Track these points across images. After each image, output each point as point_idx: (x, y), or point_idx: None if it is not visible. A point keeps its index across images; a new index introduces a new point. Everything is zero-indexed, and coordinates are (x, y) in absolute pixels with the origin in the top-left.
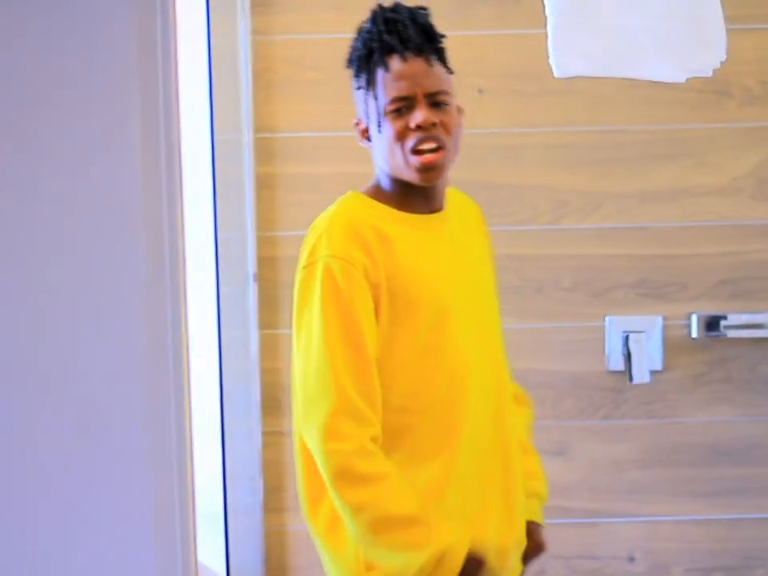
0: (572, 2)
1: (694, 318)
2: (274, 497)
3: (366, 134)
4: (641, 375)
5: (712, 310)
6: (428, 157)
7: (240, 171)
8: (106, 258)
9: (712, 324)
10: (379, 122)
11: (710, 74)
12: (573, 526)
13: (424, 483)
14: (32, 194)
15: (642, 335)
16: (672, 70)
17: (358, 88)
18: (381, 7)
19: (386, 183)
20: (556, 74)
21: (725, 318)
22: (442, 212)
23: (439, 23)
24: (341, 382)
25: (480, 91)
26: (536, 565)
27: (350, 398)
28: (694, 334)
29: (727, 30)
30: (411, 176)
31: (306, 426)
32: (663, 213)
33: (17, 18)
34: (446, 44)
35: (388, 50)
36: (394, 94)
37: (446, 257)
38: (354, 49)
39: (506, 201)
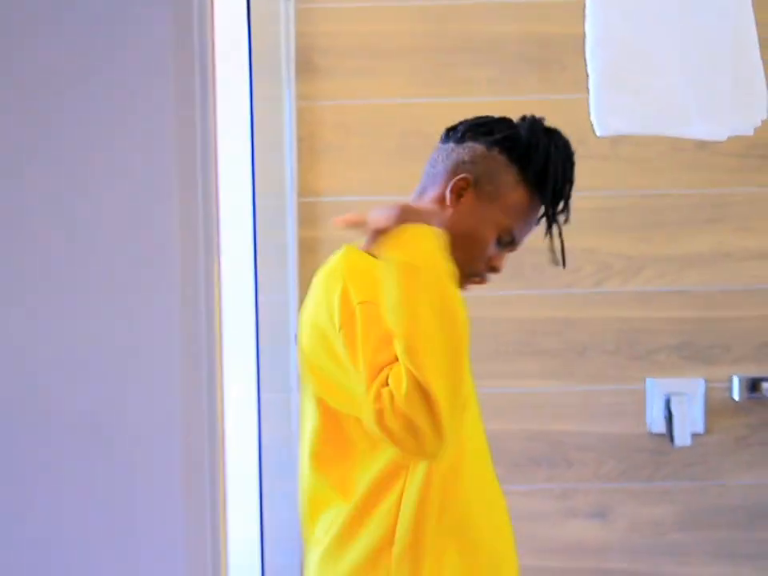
0: (614, 60)
1: (736, 381)
2: None
3: (460, 193)
4: (683, 438)
5: (754, 372)
6: (474, 286)
7: (284, 235)
8: (145, 321)
9: (754, 386)
10: (500, 238)
11: (751, 132)
12: None
13: None
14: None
15: (684, 397)
16: (713, 129)
17: (494, 163)
18: (572, 155)
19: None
20: (598, 133)
21: (767, 380)
22: None
23: (482, 89)
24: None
25: None
26: None
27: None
28: (736, 397)
29: None
30: (460, 276)
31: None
32: (705, 276)
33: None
34: None
35: (556, 198)
36: (522, 231)
37: None
38: (550, 164)
39: (549, 264)
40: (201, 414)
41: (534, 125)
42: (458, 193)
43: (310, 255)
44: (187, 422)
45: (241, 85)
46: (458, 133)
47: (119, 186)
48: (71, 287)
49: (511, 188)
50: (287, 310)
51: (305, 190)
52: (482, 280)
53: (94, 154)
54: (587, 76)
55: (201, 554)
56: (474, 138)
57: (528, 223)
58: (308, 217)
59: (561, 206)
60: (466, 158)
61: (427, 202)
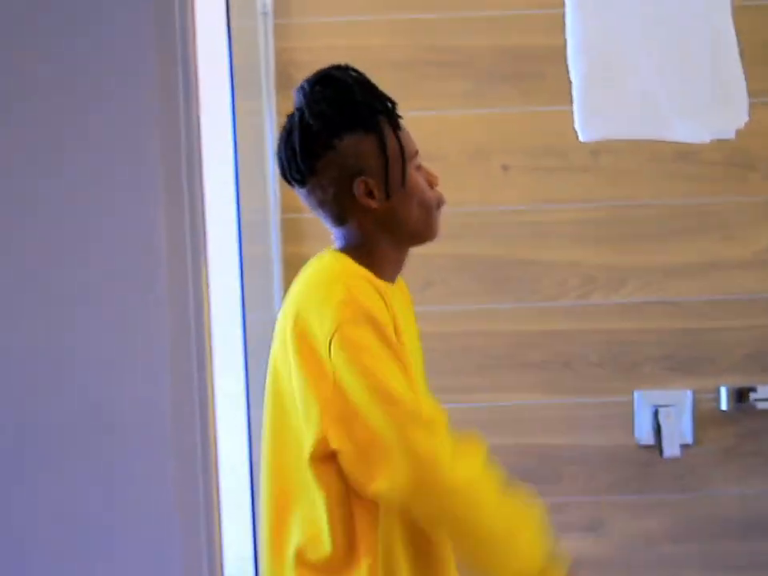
0: (596, 66)
1: (723, 391)
2: None
3: (369, 195)
4: (671, 449)
5: (741, 382)
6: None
7: (267, 251)
8: (133, 343)
9: (741, 396)
10: (404, 176)
11: (732, 135)
12: None
13: None
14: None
15: (672, 409)
16: (696, 131)
17: (355, 145)
18: (349, 68)
19: (371, 247)
20: (581, 138)
21: (754, 390)
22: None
23: (458, 101)
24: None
25: (504, 168)
26: None
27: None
28: (724, 407)
29: (751, 102)
30: (428, 233)
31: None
32: (689, 287)
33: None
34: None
35: (393, 105)
36: (414, 147)
37: (409, 325)
38: (352, 108)
39: (534, 277)
40: (192, 408)
41: (310, 101)
42: (366, 196)
43: (293, 271)
44: (179, 414)
45: (222, 100)
46: (303, 169)
47: (108, 193)
48: (66, 279)
49: (372, 143)
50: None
51: (288, 206)
52: (440, 199)
53: (81, 178)
54: (565, 88)
55: (196, 552)
56: (316, 157)
57: (409, 139)
58: (291, 233)
59: (387, 102)
60: (336, 173)
61: (357, 224)
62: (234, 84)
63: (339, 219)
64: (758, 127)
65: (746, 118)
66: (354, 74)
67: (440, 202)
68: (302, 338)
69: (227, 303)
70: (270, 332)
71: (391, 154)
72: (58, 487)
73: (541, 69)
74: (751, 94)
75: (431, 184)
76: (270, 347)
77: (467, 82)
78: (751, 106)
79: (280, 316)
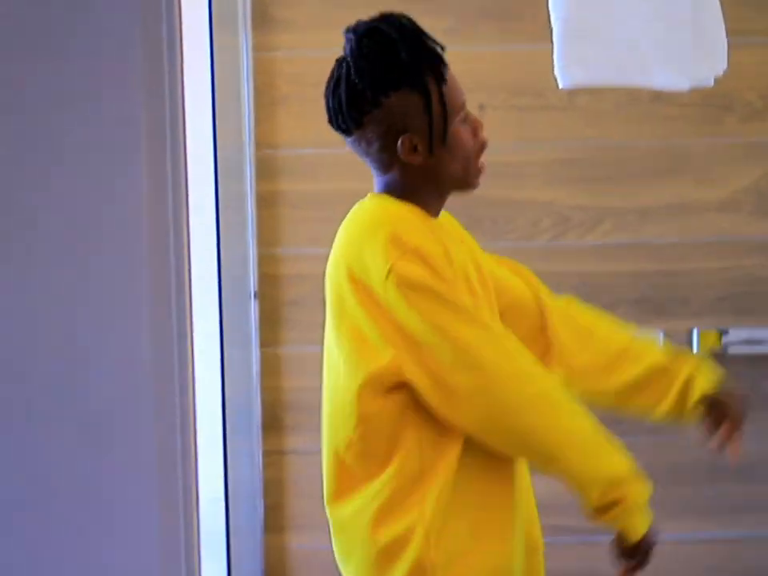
0: (577, 13)
1: (695, 333)
2: (275, 516)
3: (413, 150)
4: None
5: (714, 325)
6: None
7: (242, 188)
8: (112, 274)
9: (713, 339)
10: (445, 132)
11: (711, 83)
12: (572, 545)
13: None
14: (40, 208)
15: None
16: (675, 79)
17: (400, 103)
18: (398, 19)
19: (413, 193)
20: (561, 85)
21: (726, 333)
22: None
23: (439, 38)
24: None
25: (481, 107)
26: None
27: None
28: (695, 349)
29: (729, 44)
30: (471, 182)
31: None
32: (664, 229)
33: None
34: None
35: (439, 60)
36: (461, 101)
37: (464, 253)
38: (397, 67)
39: (508, 217)
40: (171, 369)
41: (355, 54)
42: (410, 152)
43: (267, 209)
44: (158, 375)
45: (201, 36)
46: (349, 122)
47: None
48: (45, 244)
49: (418, 100)
50: (246, 265)
51: (262, 142)
52: (483, 146)
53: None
54: (543, 28)
55: (173, 514)
56: (362, 112)
57: (449, 90)
58: (266, 170)
59: (436, 56)
60: (383, 129)
61: (400, 175)
62: (213, 21)
63: (383, 169)
64: (736, 69)
65: (725, 66)
66: (403, 23)
67: (482, 147)
68: (357, 282)
69: (203, 241)
70: (242, 270)
71: (435, 111)
72: (37, 440)
73: (520, 8)
74: (729, 34)
75: (475, 132)
76: (242, 284)
77: (449, 19)
78: (729, 47)
79: (329, 268)
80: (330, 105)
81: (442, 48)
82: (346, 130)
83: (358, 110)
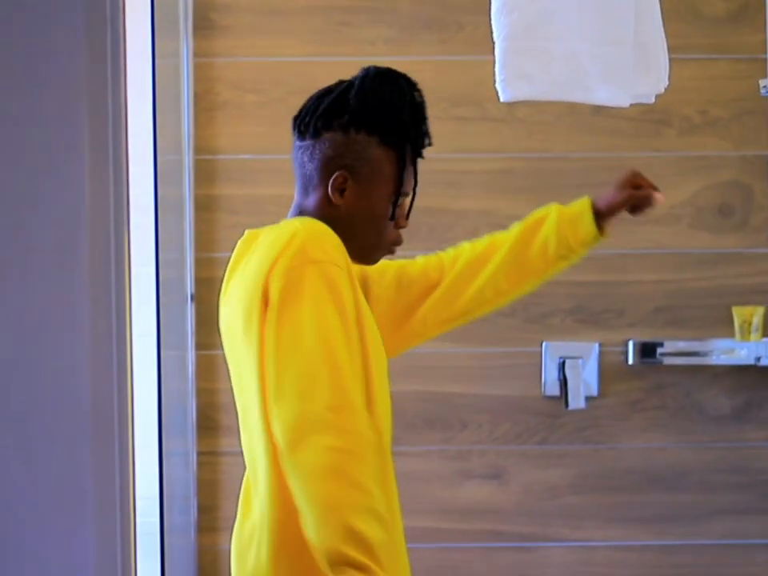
0: (519, 28)
1: (631, 345)
2: (208, 516)
3: (342, 188)
4: (576, 401)
5: (648, 337)
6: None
7: (180, 192)
8: (52, 275)
9: (648, 351)
10: (382, 203)
11: (652, 100)
12: (507, 551)
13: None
14: None
15: (579, 361)
16: (616, 95)
17: (364, 146)
18: (416, 85)
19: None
20: (502, 99)
21: (661, 345)
22: None
23: (380, 49)
24: (342, 382)
25: None
26: None
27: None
28: (630, 361)
29: (669, 59)
30: (366, 259)
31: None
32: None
33: None
34: None
35: (427, 144)
36: (410, 189)
37: None
38: (391, 118)
39: (446, 226)
40: (110, 370)
41: (366, 82)
42: (339, 189)
43: (205, 213)
44: (97, 376)
45: (143, 41)
46: (311, 127)
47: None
48: None
49: (383, 157)
50: (183, 268)
51: (201, 147)
52: (398, 240)
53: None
54: (484, 39)
55: (110, 514)
56: (328, 127)
57: (410, 172)
58: (204, 174)
59: (425, 140)
60: (331, 153)
61: (315, 204)
62: (155, 26)
63: (308, 190)
64: (675, 84)
65: (666, 83)
66: (416, 94)
67: (395, 243)
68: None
69: (141, 243)
70: (180, 273)
71: (388, 177)
72: None
73: (460, 18)
74: (669, 49)
75: (399, 225)
76: (179, 287)
77: (389, 30)
78: (669, 62)
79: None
80: (308, 105)
81: (428, 143)
82: (302, 132)
83: (328, 121)
